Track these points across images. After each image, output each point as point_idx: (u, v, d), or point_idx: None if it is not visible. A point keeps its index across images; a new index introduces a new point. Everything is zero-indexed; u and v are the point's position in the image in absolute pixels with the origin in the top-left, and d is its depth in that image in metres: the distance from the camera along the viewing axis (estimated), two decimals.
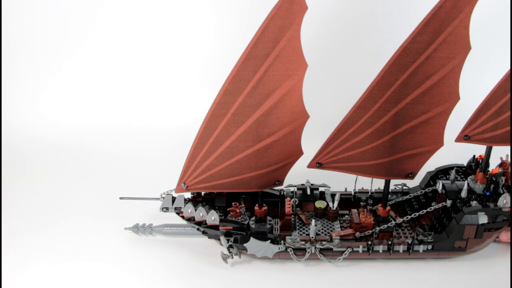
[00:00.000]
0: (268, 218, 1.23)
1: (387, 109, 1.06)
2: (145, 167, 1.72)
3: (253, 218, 1.20)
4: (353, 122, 1.08)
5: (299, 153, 1.14)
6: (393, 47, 1.00)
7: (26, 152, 1.82)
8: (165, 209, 1.22)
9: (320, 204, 1.26)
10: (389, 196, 1.30)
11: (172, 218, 1.28)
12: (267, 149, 1.10)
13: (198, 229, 1.20)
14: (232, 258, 1.15)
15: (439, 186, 1.18)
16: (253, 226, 1.17)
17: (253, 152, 1.11)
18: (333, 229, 1.21)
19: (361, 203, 1.24)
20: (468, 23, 0.97)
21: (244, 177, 1.15)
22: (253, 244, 1.12)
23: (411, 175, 1.15)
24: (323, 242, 1.12)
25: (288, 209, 1.21)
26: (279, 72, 1.02)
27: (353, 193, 1.33)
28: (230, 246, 1.14)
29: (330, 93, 1.74)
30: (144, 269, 1.19)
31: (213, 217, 1.15)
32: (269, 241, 1.11)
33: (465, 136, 1.11)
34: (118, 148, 1.85)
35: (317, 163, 1.15)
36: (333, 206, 1.24)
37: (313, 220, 1.15)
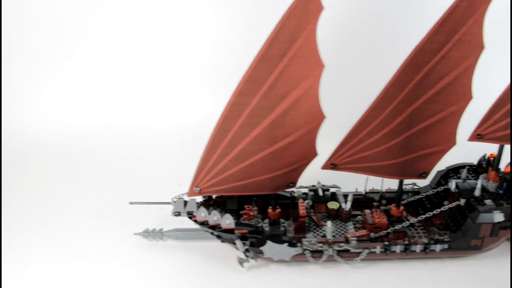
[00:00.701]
0: (281, 220, 1.22)
1: (402, 109, 1.06)
2: (145, 167, 1.72)
3: (266, 220, 1.19)
4: (368, 123, 1.08)
5: (313, 154, 1.13)
6: (409, 47, 1.00)
7: (26, 152, 1.82)
8: (177, 213, 1.20)
9: (332, 205, 1.26)
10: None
11: (181, 222, 1.26)
12: (282, 151, 1.09)
13: (212, 233, 1.18)
14: (249, 262, 1.14)
15: (452, 185, 1.18)
16: (266, 229, 1.16)
17: (267, 154, 1.10)
18: (347, 230, 1.21)
19: (374, 203, 1.24)
20: (482, 22, 0.98)
21: (258, 179, 1.14)
22: (270, 247, 1.11)
23: (424, 175, 1.15)
24: (341, 244, 1.11)
25: (302, 211, 1.20)
26: (295, 73, 1.01)
27: (364, 193, 1.33)
28: (247, 250, 1.13)
29: (344, 93, 1.74)
30: (157, 275, 1.17)
31: (227, 221, 1.13)
32: (286, 244, 1.10)
33: (477, 135, 1.12)
34: (118, 148, 1.84)
35: (331, 164, 1.15)
36: (346, 207, 1.24)
37: (329, 222, 1.14)
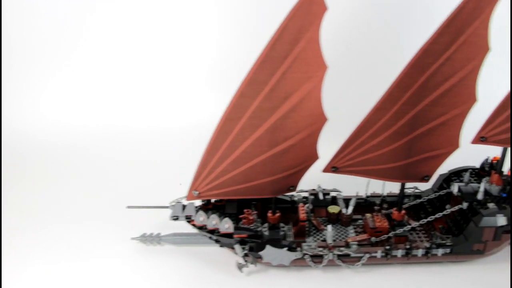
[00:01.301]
0: (281, 224, 1.20)
1: (405, 111, 1.04)
2: (145, 169, 1.70)
3: (266, 225, 1.17)
4: (371, 125, 1.06)
5: (314, 157, 1.11)
6: (413, 48, 0.98)
7: (26, 152, 1.81)
8: (175, 217, 1.17)
9: (333, 209, 1.24)
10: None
11: (179, 226, 1.23)
12: (283, 153, 1.07)
13: (210, 237, 1.15)
14: (248, 267, 1.11)
15: (454, 189, 1.17)
16: (266, 233, 1.13)
17: (268, 157, 1.07)
18: (347, 234, 1.19)
19: (375, 207, 1.23)
20: (488, 23, 0.97)
21: (259, 183, 1.11)
22: (269, 252, 1.08)
23: (426, 178, 1.13)
24: (341, 248, 1.09)
25: (302, 215, 1.18)
26: (297, 75, 0.99)
27: (365, 197, 1.31)
28: (246, 255, 1.11)
29: (347, 95, 1.72)
30: (154, 280, 1.13)
31: (226, 225, 1.11)
32: (286, 248, 1.08)
33: (481, 138, 1.11)
34: (118, 149, 1.83)
35: (333, 167, 1.12)
36: (347, 211, 1.22)
37: (330, 226, 1.12)
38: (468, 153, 1.30)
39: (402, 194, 1.16)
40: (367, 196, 1.30)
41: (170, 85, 2.02)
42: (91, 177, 1.64)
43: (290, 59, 0.98)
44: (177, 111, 1.98)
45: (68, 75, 1.98)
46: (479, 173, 1.26)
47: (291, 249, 1.09)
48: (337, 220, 1.24)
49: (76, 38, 1.95)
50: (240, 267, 1.10)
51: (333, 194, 1.30)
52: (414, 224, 1.18)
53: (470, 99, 1.05)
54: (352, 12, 1.70)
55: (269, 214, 1.18)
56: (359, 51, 1.75)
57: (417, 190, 1.31)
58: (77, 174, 1.66)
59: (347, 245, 1.10)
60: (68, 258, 1.21)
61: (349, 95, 1.75)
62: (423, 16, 1.68)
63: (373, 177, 1.13)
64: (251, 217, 1.18)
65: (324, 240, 1.15)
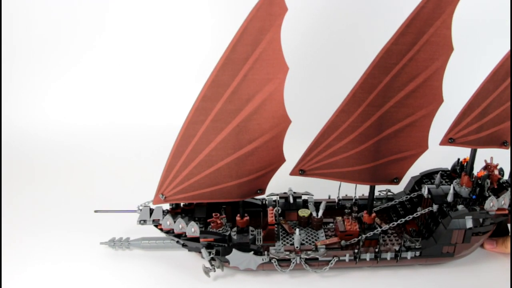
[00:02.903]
0: (251, 228, 1.19)
1: (371, 113, 1.03)
2: (132, 169, 1.72)
3: (235, 229, 1.15)
4: (336, 127, 1.05)
5: (281, 160, 1.10)
6: (377, 48, 0.97)
7: (25, 151, 1.86)
8: (142, 221, 1.16)
9: (303, 212, 1.22)
10: (374, 202, 1.28)
11: (150, 231, 1.22)
12: (248, 156, 1.06)
13: (177, 241, 1.14)
14: (215, 271, 1.10)
15: (424, 191, 1.16)
16: (235, 237, 1.12)
17: (233, 160, 1.06)
18: (318, 238, 1.18)
19: (346, 211, 1.21)
20: (450, 23, 0.95)
21: (225, 186, 1.10)
22: (235, 256, 1.07)
23: (396, 180, 1.12)
24: (309, 252, 1.07)
25: (271, 218, 1.16)
26: (259, 76, 0.98)
27: (337, 200, 1.30)
28: (212, 259, 1.09)
29: (314, 96, 1.71)
30: (121, 284, 1.12)
31: (193, 229, 1.09)
32: (252, 252, 1.06)
33: (449, 139, 1.09)
34: (99, 150, 1.88)
35: (300, 170, 1.11)
36: (317, 215, 1.20)
37: (298, 229, 1.11)
38: (441, 155, 1.30)
39: (371, 197, 1.14)
40: (339, 199, 1.29)
41: (167, 86, 2.05)
42: (69, 180, 1.65)
43: (251, 61, 0.97)
44: (170, 110, 1.97)
45: (69, 75, 2.04)
46: (450, 175, 1.25)
47: (258, 253, 1.07)
48: (308, 223, 1.23)
49: (76, 39, 1.99)
50: (206, 271, 1.09)
51: (304, 197, 1.29)
52: (384, 227, 1.16)
53: (436, 99, 1.03)
54: (313, 12, 1.69)
55: (238, 218, 1.16)
56: (322, 52, 1.74)
57: (390, 193, 1.30)
58: (59, 176, 1.68)
59: (316, 249, 1.09)
60: (39, 261, 1.21)
61: (316, 96, 1.74)
62: (387, 15, 1.65)
63: (341, 180, 1.12)
64: (219, 221, 1.16)
65: (293, 244, 1.13)
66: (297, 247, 1.07)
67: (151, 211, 1.17)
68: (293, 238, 1.18)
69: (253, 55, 0.97)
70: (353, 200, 1.28)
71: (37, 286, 1.12)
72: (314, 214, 1.20)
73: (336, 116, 1.03)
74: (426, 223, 1.15)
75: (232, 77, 0.98)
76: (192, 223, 1.09)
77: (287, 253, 1.07)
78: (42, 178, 1.66)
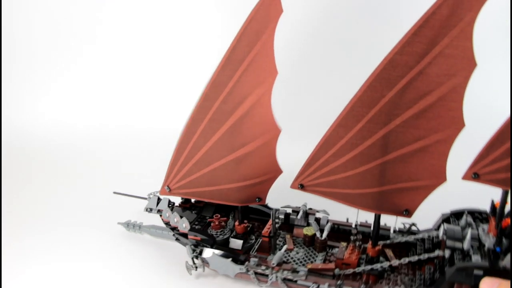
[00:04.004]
0: (252, 236, 1.16)
1: (373, 131, 0.92)
2: (142, 166, 1.76)
3: (234, 233, 1.14)
4: (333, 142, 0.96)
5: (277, 170, 1.05)
6: (385, 51, 0.86)
7: (26, 152, 1.92)
8: (149, 209, 1.22)
9: (308, 231, 1.14)
10: (394, 235, 1.12)
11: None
12: (242, 160, 1.04)
13: (173, 234, 1.17)
14: (196, 270, 1.09)
15: (440, 232, 0.98)
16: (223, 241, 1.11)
17: (228, 162, 1.05)
18: (315, 260, 1.08)
19: (352, 237, 1.09)
20: (471, 33, 0.80)
21: (222, 188, 1.09)
22: (215, 259, 1.05)
23: (406, 213, 0.97)
24: (285, 272, 0.99)
25: (265, 230, 1.11)
26: (251, 78, 0.96)
27: (354, 225, 1.17)
28: (196, 257, 1.09)
29: (318, 101, 1.56)
30: (118, 264, 1.19)
31: (184, 225, 1.11)
32: (230, 259, 1.03)
33: (473, 174, 0.90)
34: (117, 146, 1.93)
35: (300, 184, 1.04)
36: (321, 236, 1.11)
37: (285, 247, 1.05)
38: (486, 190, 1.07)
39: (376, 226, 1.01)
40: (356, 225, 1.16)
41: (165, 88, 2.08)
42: (90, 175, 1.72)
43: (247, 62, 0.96)
44: (174, 112, 1.95)
45: (69, 76, 2.12)
46: (487, 218, 1.02)
47: (236, 261, 1.04)
48: (312, 243, 1.14)
49: (76, 39, 2.09)
50: (189, 268, 1.09)
51: (318, 215, 1.20)
52: (390, 262, 1.01)
53: (455, 123, 0.87)
54: (314, 14, 1.53)
55: (236, 223, 1.14)
56: (325, 57, 1.56)
57: (414, 228, 1.12)
58: (76, 173, 1.75)
59: (294, 270, 1.00)
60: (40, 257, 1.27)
61: (321, 101, 1.58)
62: (397, 17, 1.42)
63: (342, 202, 1.01)
64: (217, 222, 1.15)
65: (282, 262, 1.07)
66: (273, 264, 1.00)
67: (159, 200, 1.23)
68: (289, 255, 1.11)
69: (248, 56, 0.95)
70: (354, 226, 1.16)
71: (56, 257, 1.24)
72: (318, 234, 1.11)
73: (333, 130, 0.94)
74: (434, 270, 0.97)
75: (229, 77, 0.98)
76: (184, 219, 1.11)
77: (264, 268, 1.01)
78: (42, 178, 1.71)
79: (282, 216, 1.22)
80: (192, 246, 1.09)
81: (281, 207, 1.25)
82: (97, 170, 1.77)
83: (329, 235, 1.14)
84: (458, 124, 0.87)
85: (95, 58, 2.16)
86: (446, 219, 1.07)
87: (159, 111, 2.08)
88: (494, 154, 0.88)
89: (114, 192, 1.32)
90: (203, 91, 1.02)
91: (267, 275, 1.02)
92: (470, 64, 0.82)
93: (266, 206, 1.26)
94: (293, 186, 1.05)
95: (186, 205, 1.25)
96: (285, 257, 1.09)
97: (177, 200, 1.26)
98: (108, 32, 2.13)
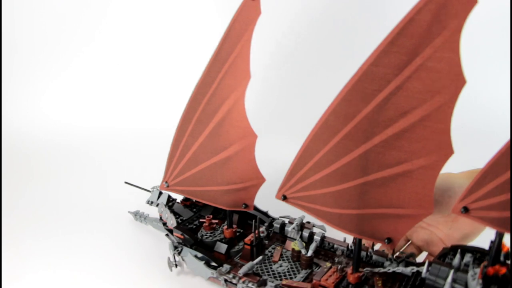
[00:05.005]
0: (241, 243, 1.13)
1: (349, 148, 0.83)
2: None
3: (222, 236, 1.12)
4: (310, 155, 0.88)
5: (259, 177, 1.01)
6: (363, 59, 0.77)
7: (26, 152, 1.96)
8: (150, 202, 1.25)
9: (295, 245, 1.07)
10: (388, 263, 1.00)
11: None
12: (224, 164, 1.01)
13: (166, 229, 1.18)
14: (176, 267, 1.10)
15: (424, 269, 0.85)
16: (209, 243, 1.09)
17: (212, 165, 1.04)
18: (294, 277, 1.02)
19: (336, 258, 1.00)
20: (457, 45, 0.68)
21: (210, 189, 1.08)
22: (191, 260, 1.04)
23: (387, 242, 0.86)
24: (250, 284, 0.95)
25: (248, 238, 1.07)
26: (230, 81, 0.93)
27: (350, 245, 1.08)
28: (178, 254, 1.09)
29: (315, 104, 1.40)
30: (116, 249, 1.24)
31: (171, 221, 1.12)
32: (204, 262, 1.01)
33: (463, 209, 0.77)
34: (121, 148, 1.97)
35: (283, 195, 0.98)
36: (306, 253, 1.04)
37: (260, 258, 1.00)
38: None
39: (357, 251, 0.91)
40: (351, 247, 1.07)
41: (167, 88, 2.09)
42: (69, 178, 1.74)
43: (228, 64, 0.93)
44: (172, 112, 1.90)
45: (69, 77, 2.17)
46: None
47: (209, 265, 1.01)
48: (298, 258, 1.07)
49: (75, 40, 2.12)
50: (169, 264, 1.10)
51: (315, 229, 1.12)
52: None
53: (441, 148, 0.75)
54: (290, 14, 1.34)
55: (224, 227, 1.12)
56: (317, 58, 1.37)
57: (411, 258, 0.99)
58: (83, 171, 1.80)
59: (263, 283, 0.95)
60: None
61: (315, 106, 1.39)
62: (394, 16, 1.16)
63: (323, 221, 0.93)
64: (206, 224, 1.14)
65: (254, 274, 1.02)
66: (239, 273, 0.96)
67: (160, 194, 1.25)
68: (270, 265, 1.06)
69: (229, 58, 0.92)
70: (341, 248, 1.07)
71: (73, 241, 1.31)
72: (303, 251, 1.04)
73: (310, 142, 0.87)
74: None
75: (214, 79, 0.96)
76: (172, 215, 1.12)
77: (230, 276, 0.97)
78: (42, 178, 1.73)
79: (277, 225, 1.17)
80: (175, 243, 1.10)
81: (280, 217, 1.20)
82: (102, 166, 1.83)
83: (322, 253, 1.07)
84: (445, 149, 0.75)
85: (95, 58, 2.22)
86: (445, 253, 0.93)
87: (161, 107, 2.12)
88: (487, 187, 0.74)
89: (125, 182, 1.38)
90: (193, 90, 1.01)
91: (235, 284, 0.98)
92: (457, 80, 0.69)
93: (266, 214, 1.22)
94: (277, 196, 0.99)
95: (187, 203, 1.26)
96: (265, 268, 1.05)
97: (180, 197, 1.28)
98: (108, 34, 2.19)
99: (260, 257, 1.01)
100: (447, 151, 0.74)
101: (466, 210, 0.77)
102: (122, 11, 2.17)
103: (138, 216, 1.33)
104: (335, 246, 1.09)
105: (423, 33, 0.69)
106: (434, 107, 0.73)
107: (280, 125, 1.65)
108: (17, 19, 2.20)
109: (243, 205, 1.06)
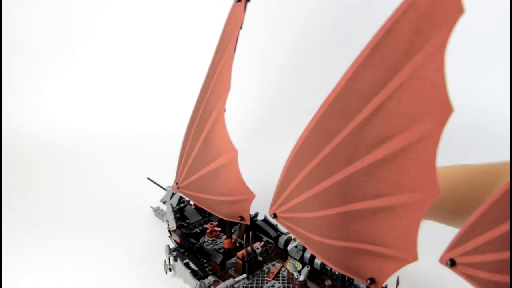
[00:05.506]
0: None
1: (329, 171, 0.73)
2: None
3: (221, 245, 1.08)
4: (294, 174, 0.81)
5: (248, 193, 0.94)
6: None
7: (27, 152, 1.94)
8: (164, 201, 1.25)
9: (288, 266, 0.99)
10: None
11: None
12: (215, 174, 0.97)
13: (168, 230, 1.17)
14: (170, 270, 1.08)
15: None
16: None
17: (206, 174, 1.01)
18: None
19: (326, 283, 0.90)
20: (441, 64, 0.55)
21: (208, 197, 1.05)
22: (180, 267, 1.02)
23: (370, 282, 0.75)
24: None
25: (241, 252, 1.01)
26: (217, 90, 0.89)
27: None
28: (173, 258, 1.07)
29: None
30: (125, 242, 1.26)
31: (172, 224, 1.11)
32: (190, 271, 0.98)
33: (449, 261, 0.63)
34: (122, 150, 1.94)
35: (273, 213, 0.91)
36: (298, 276, 0.95)
37: (243, 275, 0.94)
38: None
39: (340, 286, 0.81)
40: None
41: (170, 89, 2.02)
42: (69, 178, 1.72)
43: (218, 72, 0.89)
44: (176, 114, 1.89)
45: (70, 77, 2.14)
46: None
47: (195, 275, 0.98)
48: (291, 280, 0.99)
49: (76, 41, 2.09)
50: (165, 267, 1.09)
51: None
52: None
53: (426, 185, 0.62)
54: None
55: (224, 237, 1.08)
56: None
57: None
58: (79, 170, 1.78)
59: None
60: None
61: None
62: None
63: (308, 248, 0.84)
64: (208, 230, 1.11)
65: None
66: None
67: (173, 195, 1.24)
68: (262, 282, 0.99)
69: (219, 65, 0.88)
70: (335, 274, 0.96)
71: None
72: (295, 275, 0.95)
73: (294, 158, 0.79)
74: None
75: (209, 85, 0.93)
76: (172, 219, 1.11)
77: None
78: (42, 178, 1.70)
79: (282, 241, 1.10)
80: (170, 246, 1.09)
81: (288, 232, 1.12)
82: (102, 166, 1.82)
83: (321, 278, 0.98)
84: (429, 187, 0.62)
85: (95, 58, 2.20)
86: None
87: (161, 107, 2.08)
88: (476, 240, 0.59)
89: (148, 178, 1.40)
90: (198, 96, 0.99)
91: None
92: (442, 108, 0.56)
93: (274, 227, 1.15)
94: (269, 213, 0.93)
95: (198, 206, 1.24)
96: (256, 285, 0.98)
97: None
98: (108, 34, 2.16)
99: (242, 276, 0.95)
100: (432, 189, 0.62)
101: (452, 263, 0.63)
102: (127, 11, 2.14)
103: (158, 212, 1.35)
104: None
105: (403, 46, 0.57)
106: (416, 136, 0.60)
107: (286, 125, 1.54)
108: (18, 19, 2.20)
109: (239, 217, 1.01)
